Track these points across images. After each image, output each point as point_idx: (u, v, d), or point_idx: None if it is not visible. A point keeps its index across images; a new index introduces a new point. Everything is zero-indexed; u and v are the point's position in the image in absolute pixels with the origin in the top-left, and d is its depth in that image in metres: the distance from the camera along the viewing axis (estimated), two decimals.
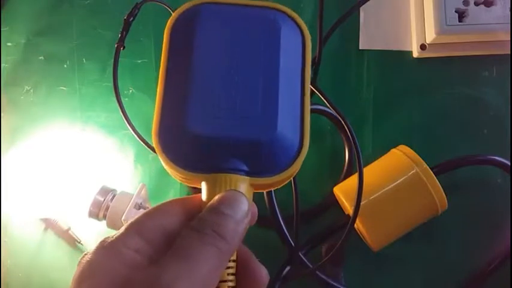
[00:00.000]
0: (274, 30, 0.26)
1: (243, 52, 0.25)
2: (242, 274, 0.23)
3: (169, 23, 0.26)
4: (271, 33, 0.26)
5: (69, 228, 0.43)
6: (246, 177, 0.24)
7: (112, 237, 0.21)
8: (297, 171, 0.25)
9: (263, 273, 0.24)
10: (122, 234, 0.21)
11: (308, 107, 0.25)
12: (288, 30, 0.26)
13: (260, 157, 0.24)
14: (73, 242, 0.44)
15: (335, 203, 0.41)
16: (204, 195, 0.24)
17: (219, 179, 0.24)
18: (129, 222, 0.22)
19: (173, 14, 0.27)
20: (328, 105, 0.35)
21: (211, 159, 0.24)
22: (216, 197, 0.22)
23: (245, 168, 0.24)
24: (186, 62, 0.25)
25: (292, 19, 0.27)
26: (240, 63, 0.25)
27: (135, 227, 0.22)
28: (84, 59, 0.47)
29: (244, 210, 0.22)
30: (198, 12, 0.26)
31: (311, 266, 0.38)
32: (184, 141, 0.24)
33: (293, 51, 0.26)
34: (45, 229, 0.44)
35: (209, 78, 0.25)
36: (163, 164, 0.24)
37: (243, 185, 0.24)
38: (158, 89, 0.25)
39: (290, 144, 0.25)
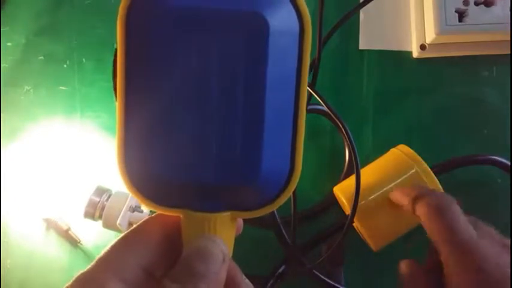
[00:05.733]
0: (260, 29, 0.19)
1: (219, 66, 0.19)
2: None
3: (122, 12, 0.20)
4: (255, 34, 0.19)
5: (68, 228, 0.43)
6: (226, 213, 0.21)
7: (88, 276, 0.20)
8: (289, 196, 0.22)
9: None
10: (100, 277, 0.20)
11: (302, 128, 0.21)
12: (279, 25, 0.19)
13: (242, 198, 0.21)
14: (73, 242, 0.44)
15: (335, 203, 0.41)
16: (181, 225, 0.22)
17: (194, 217, 0.21)
18: (103, 257, 0.21)
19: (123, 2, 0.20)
20: (325, 106, 0.35)
21: (184, 200, 0.21)
22: (191, 247, 0.21)
23: (224, 207, 0.21)
24: (148, 80, 0.20)
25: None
26: (216, 86, 0.19)
27: (113, 268, 0.20)
28: (84, 59, 0.47)
29: (220, 261, 0.20)
30: (156, 5, 0.20)
31: (308, 265, 0.38)
32: (153, 182, 0.21)
33: (287, 51, 0.20)
34: (47, 229, 0.44)
35: (179, 108, 0.19)
36: (132, 195, 0.22)
37: (222, 223, 0.21)
38: (118, 106, 0.20)
39: (278, 177, 0.21)
